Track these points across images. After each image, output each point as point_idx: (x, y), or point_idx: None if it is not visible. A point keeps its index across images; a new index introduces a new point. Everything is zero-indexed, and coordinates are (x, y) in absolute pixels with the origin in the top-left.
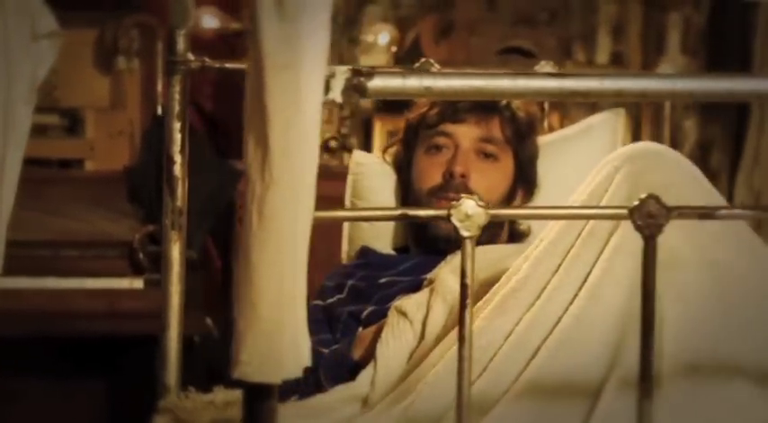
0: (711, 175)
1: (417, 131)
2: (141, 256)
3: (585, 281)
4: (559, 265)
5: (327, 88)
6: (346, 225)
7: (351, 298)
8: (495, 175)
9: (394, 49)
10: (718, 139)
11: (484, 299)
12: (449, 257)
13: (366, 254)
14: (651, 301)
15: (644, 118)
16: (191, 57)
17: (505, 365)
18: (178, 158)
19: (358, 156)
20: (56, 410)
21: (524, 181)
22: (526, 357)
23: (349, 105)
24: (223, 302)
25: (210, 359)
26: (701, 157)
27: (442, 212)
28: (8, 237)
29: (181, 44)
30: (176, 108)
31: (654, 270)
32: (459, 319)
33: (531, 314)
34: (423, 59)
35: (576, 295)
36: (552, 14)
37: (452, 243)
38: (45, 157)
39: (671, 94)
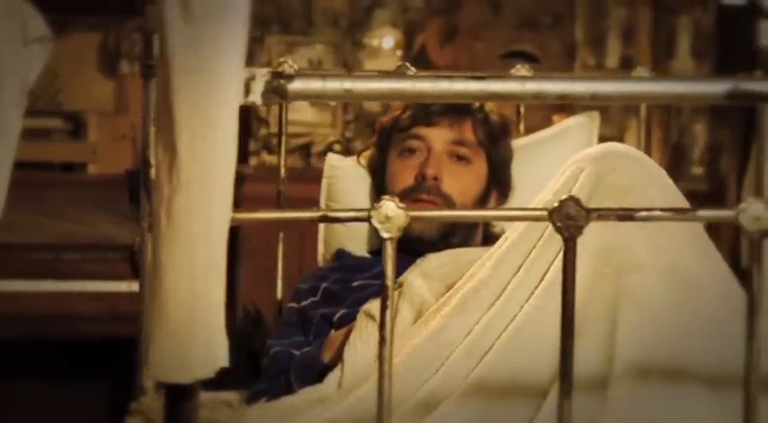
0: (721, 178)
1: (391, 135)
2: None
3: (543, 281)
4: (520, 265)
5: (248, 91)
6: (321, 228)
7: (324, 301)
8: (467, 178)
9: (399, 52)
10: (727, 142)
11: (447, 294)
12: (419, 261)
13: (341, 257)
14: (571, 303)
15: (653, 122)
16: None
17: (460, 363)
18: (154, 162)
19: (332, 159)
20: (56, 412)
21: (498, 183)
22: (480, 356)
23: (353, 109)
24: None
25: None
26: (711, 160)
27: (362, 214)
28: (10, 240)
29: (157, 48)
30: (153, 112)
31: (574, 272)
32: (380, 320)
33: (490, 313)
34: (399, 64)
35: (533, 295)
36: (556, 19)
37: (425, 244)
38: (48, 161)
39: (590, 96)
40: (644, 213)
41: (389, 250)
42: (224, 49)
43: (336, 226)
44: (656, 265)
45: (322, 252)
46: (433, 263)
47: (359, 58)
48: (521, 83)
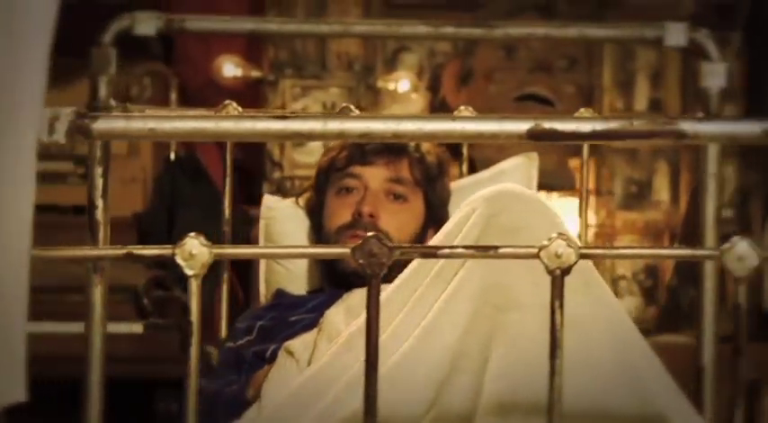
0: (749, 220)
1: (328, 175)
2: (145, 301)
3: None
4: (406, 304)
5: (52, 130)
6: (262, 269)
7: (259, 338)
8: (403, 216)
9: (414, 96)
10: (756, 185)
11: (343, 333)
12: (345, 295)
13: (280, 296)
14: (375, 339)
15: (682, 165)
16: (113, 102)
17: (339, 400)
18: (99, 203)
19: (268, 200)
20: None
21: (435, 222)
22: (358, 393)
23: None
24: None
25: None
26: (741, 203)
27: (167, 251)
28: None
29: (103, 90)
30: (98, 153)
31: (377, 309)
32: (186, 354)
33: None
34: (343, 105)
35: (411, 335)
36: (571, 62)
37: (363, 279)
38: (60, 204)
39: (392, 134)
40: (447, 251)
41: (194, 288)
42: (7, 91)
43: (276, 266)
44: (534, 304)
45: (263, 292)
46: (358, 297)
47: (377, 101)
48: (323, 122)
